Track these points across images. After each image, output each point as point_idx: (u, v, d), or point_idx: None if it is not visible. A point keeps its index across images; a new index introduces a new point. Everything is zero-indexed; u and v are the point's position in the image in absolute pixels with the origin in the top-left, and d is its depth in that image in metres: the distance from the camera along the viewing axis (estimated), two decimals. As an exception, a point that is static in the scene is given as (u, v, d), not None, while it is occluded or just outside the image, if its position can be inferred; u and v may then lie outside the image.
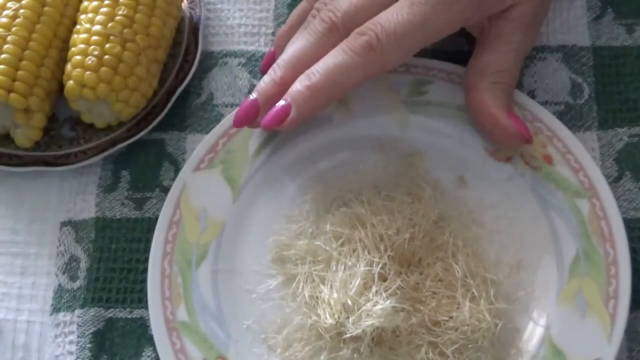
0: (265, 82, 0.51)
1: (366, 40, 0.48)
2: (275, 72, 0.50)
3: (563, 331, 0.47)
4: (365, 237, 0.48)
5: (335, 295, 0.47)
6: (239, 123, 0.51)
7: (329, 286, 0.48)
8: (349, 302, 0.47)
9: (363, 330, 0.46)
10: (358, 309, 0.46)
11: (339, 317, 0.47)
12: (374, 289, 0.47)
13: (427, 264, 0.49)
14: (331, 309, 0.47)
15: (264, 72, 0.53)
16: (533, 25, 0.52)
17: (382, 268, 0.47)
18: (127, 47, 0.54)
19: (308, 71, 0.49)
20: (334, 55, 0.49)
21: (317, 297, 0.48)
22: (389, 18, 0.48)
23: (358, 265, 0.48)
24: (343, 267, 0.48)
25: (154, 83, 0.57)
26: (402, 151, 0.53)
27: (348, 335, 0.46)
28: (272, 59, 0.55)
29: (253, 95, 0.51)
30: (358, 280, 0.47)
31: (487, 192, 0.52)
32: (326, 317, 0.47)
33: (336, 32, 0.50)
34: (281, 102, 0.49)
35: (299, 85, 0.49)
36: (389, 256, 0.48)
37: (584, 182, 0.50)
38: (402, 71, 0.55)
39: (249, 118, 0.51)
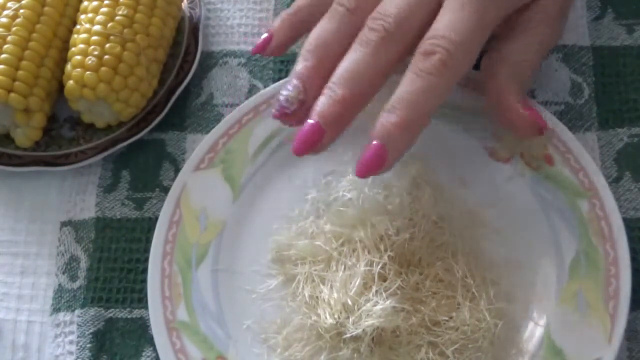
0: (324, 103, 0.45)
1: (438, 58, 0.44)
2: (334, 91, 0.45)
3: (563, 331, 0.47)
4: (365, 237, 0.48)
5: (335, 295, 0.47)
6: (302, 151, 0.45)
7: (329, 286, 0.48)
8: (349, 302, 0.47)
9: (363, 330, 0.46)
10: (358, 309, 0.46)
11: (339, 317, 0.47)
12: (374, 289, 0.47)
13: (427, 264, 0.49)
14: (331, 309, 0.47)
15: (256, 52, 0.51)
16: (557, 18, 0.51)
17: (382, 268, 0.47)
18: (127, 47, 0.54)
19: (388, 106, 0.44)
20: (410, 83, 0.45)
21: (317, 297, 0.49)
22: (448, 27, 0.45)
23: (358, 265, 0.48)
24: (343, 267, 0.48)
25: (154, 83, 0.57)
26: (407, 155, 0.53)
27: (348, 335, 0.46)
28: (267, 44, 0.51)
29: (313, 119, 0.45)
30: (358, 280, 0.47)
31: (487, 192, 0.52)
32: (326, 317, 0.47)
33: (391, 41, 0.46)
34: (373, 144, 0.44)
35: (389, 125, 0.44)
36: (389, 256, 0.48)
37: (584, 182, 0.50)
38: (402, 71, 0.55)
39: (314, 144, 0.45)
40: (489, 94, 0.50)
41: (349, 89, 0.45)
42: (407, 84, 0.45)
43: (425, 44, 0.45)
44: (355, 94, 0.45)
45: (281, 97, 0.47)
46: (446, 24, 0.45)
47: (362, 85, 0.45)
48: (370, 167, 0.44)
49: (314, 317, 0.48)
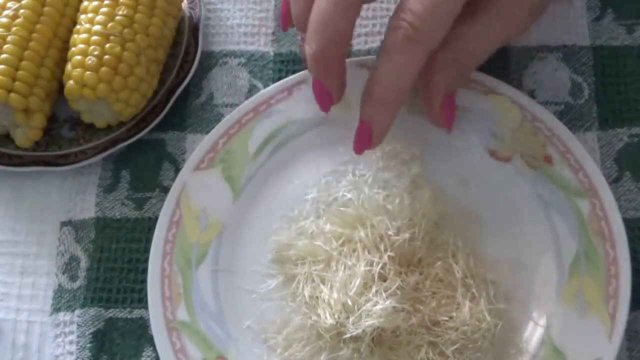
0: (308, 59, 0.48)
1: (402, 34, 0.45)
2: (310, 46, 0.48)
3: (563, 331, 0.47)
4: (365, 237, 0.48)
5: (335, 295, 0.47)
6: (323, 107, 0.51)
7: (329, 286, 0.48)
8: (349, 302, 0.47)
9: (363, 330, 0.46)
10: (358, 309, 0.46)
11: (339, 317, 0.47)
12: (374, 289, 0.47)
13: (427, 264, 0.49)
14: (331, 309, 0.47)
15: (284, 24, 0.53)
16: (522, 18, 0.49)
17: (382, 268, 0.47)
18: (127, 47, 0.54)
19: (365, 85, 0.47)
20: (381, 62, 0.47)
21: (317, 297, 0.48)
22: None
23: (358, 265, 0.48)
24: (343, 267, 0.48)
25: (154, 83, 0.57)
26: (402, 151, 0.53)
27: (348, 335, 0.46)
28: (288, 10, 0.52)
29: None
30: (358, 280, 0.47)
31: (487, 192, 0.52)
32: (326, 317, 0.47)
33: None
34: (359, 122, 0.48)
35: (367, 105, 0.48)
36: (389, 256, 0.48)
37: (584, 182, 0.50)
38: None
39: (322, 98, 0.50)
40: (423, 72, 0.49)
41: (320, 38, 0.47)
42: (379, 63, 0.47)
43: (392, 20, 0.46)
44: (325, 44, 0.47)
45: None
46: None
47: (329, 33, 0.47)
48: (361, 144, 0.49)
49: (314, 317, 0.48)
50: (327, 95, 0.50)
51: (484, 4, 0.48)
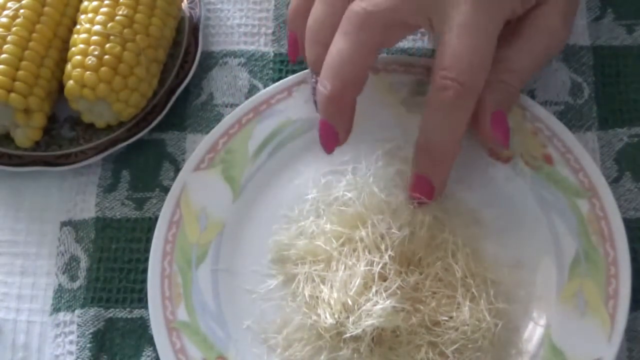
0: (319, 99, 0.48)
1: (452, 94, 0.46)
2: (324, 85, 0.48)
3: (563, 331, 0.47)
4: (366, 237, 0.48)
5: (335, 295, 0.47)
6: (327, 148, 0.50)
7: (329, 286, 0.48)
8: (349, 302, 0.47)
9: (363, 330, 0.46)
10: (358, 309, 0.46)
11: (339, 317, 0.47)
12: (374, 288, 0.47)
13: (427, 263, 0.49)
14: (331, 308, 0.47)
15: (292, 56, 0.54)
16: (559, 29, 0.50)
17: (382, 268, 0.47)
18: (127, 47, 0.54)
19: (429, 149, 0.48)
20: (433, 120, 0.47)
21: (317, 297, 0.48)
22: (456, 56, 0.46)
23: (358, 265, 0.48)
24: (343, 267, 0.48)
25: (154, 83, 0.57)
26: (402, 151, 0.53)
27: (348, 335, 0.46)
28: (295, 42, 0.53)
29: (320, 117, 0.49)
30: (358, 280, 0.47)
31: (487, 192, 0.52)
32: (326, 317, 0.47)
33: (367, 26, 0.47)
34: (416, 175, 0.49)
35: (422, 162, 0.49)
36: (389, 256, 0.48)
37: (584, 182, 0.50)
38: (402, 71, 0.55)
39: (331, 138, 0.50)
40: None
41: (336, 80, 0.47)
42: (431, 120, 0.47)
43: (437, 79, 0.46)
44: (341, 87, 0.47)
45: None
46: (453, 51, 0.46)
47: (347, 76, 0.47)
48: (422, 195, 0.49)
49: (314, 317, 0.48)
50: (334, 136, 0.49)
51: (520, 23, 0.49)
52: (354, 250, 0.49)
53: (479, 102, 0.48)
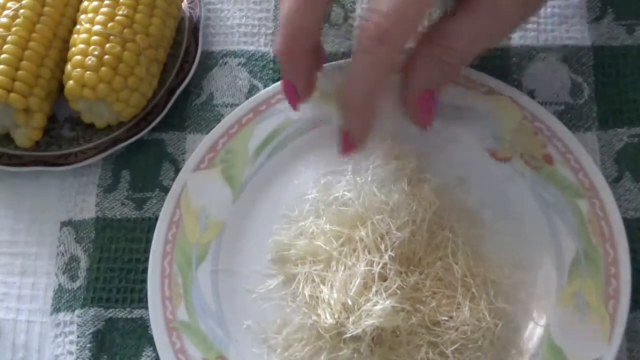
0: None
1: (369, 35, 0.44)
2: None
3: (563, 331, 0.47)
4: (366, 237, 0.48)
5: (335, 295, 0.47)
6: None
7: (329, 286, 0.48)
8: (349, 302, 0.47)
9: (363, 330, 0.46)
10: (358, 309, 0.46)
11: (339, 317, 0.47)
12: (374, 289, 0.47)
13: (427, 263, 0.49)
14: (331, 309, 0.47)
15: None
16: (508, 10, 0.46)
17: (382, 268, 0.47)
18: (127, 47, 0.54)
19: (345, 99, 0.47)
20: (354, 66, 0.46)
21: (317, 297, 0.48)
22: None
23: (358, 265, 0.48)
24: (343, 267, 0.48)
25: (154, 83, 0.57)
26: (402, 151, 0.53)
27: (348, 335, 0.46)
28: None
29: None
30: (358, 280, 0.47)
31: (487, 192, 0.52)
32: (326, 317, 0.47)
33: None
34: (340, 130, 0.48)
35: (344, 112, 0.48)
36: (389, 256, 0.48)
37: (584, 182, 0.50)
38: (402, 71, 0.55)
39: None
40: (402, 69, 0.48)
41: (283, 33, 0.47)
42: (352, 66, 0.46)
43: (362, 21, 0.46)
44: (289, 41, 0.47)
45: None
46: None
47: (292, 30, 0.47)
48: (345, 148, 0.48)
49: (314, 317, 0.48)
50: (294, 94, 0.49)
51: (463, 4, 0.46)
52: (354, 251, 0.49)
53: (409, 76, 0.46)
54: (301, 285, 0.49)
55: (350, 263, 0.48)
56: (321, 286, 0.48)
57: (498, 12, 0.46)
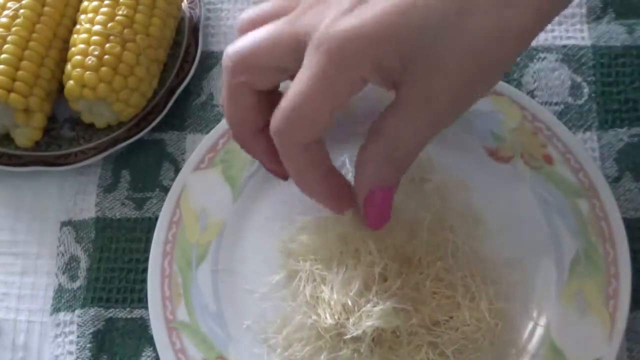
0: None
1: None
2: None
3: (563, 331, 0.47)
4: (366, 237, 0.48)
5: (335, 296, 0.47)
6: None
7: (329, 287, 0.48)
8: (349, 303, 0.46)
9: (363, 330, 0.46)
10: (358, 310, 0.46)
11: (339, 318, 0.47)
12: (374, 289, 0.47)
13: (427, 263, 0.49)
14: (331, 309, 0.47)
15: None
16: (441, 114, 0.41)
17: (382, 269, 0.47)
18: (127, 47, 0.54)
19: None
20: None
21: (317, 297, 0.48)
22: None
23: (359, 266, 0.48)
24: (344, 267, 0.48)
25: (154, 83, 0.57)
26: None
27: (348, 336, 0.46)
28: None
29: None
30: (358, 281, 0.47)
31: (487, 192, 0.52)
32: (326, 317, 0.47)
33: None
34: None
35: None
36: (389, 256, 0.48)
37: (584, 182, 0.50)
38: None
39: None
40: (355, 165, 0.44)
41: (228, 121, 0.47)
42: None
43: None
44: (231, 125, 0.46)
45: None
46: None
47: (227, 119, 0.46)
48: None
49: (314, 317, 0.48)
50: (266, 169, 0.48)
51: (403, 91, 0.40)
52: (355, 251, 0.49)
53: (357, 173, 0.43)
54: (302, 284, 0.49)
55: (351, 263, 0.48)
56: (322, 286, 0.48)
57: (430, 112, 0.41)
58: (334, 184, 0.45)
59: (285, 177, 0.48)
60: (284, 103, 0.41)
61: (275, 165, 0.46)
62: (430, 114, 0.41)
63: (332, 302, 0.47)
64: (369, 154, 0.42)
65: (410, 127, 0.41)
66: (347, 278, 0.47)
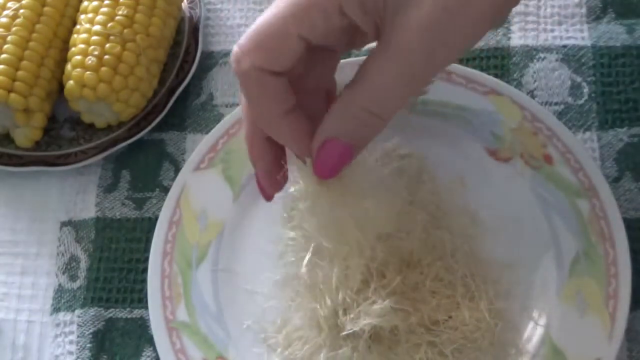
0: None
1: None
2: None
3: (563, 331, 0.47)
4: (366, 235, 0.48)
5: (334, 291, 0.47)
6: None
7: (328, 282, 0.48)
8: (348, 300, 0.46)
9: (361, 328, 0.46)
10: (357, 307, 0.46)
11: (336, 310, 0.46)
12: (372, 286, 0.47)
13: (426, 263, 0.49)
14: (330, 302, 0.47)
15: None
16: (419, 63, 0.38)
17: (381, 266, 0.47)
18: (127, 47, 0.55)
19: None
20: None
21: (316, 289, 0.48)
22: None
23: (357, 263, 0.47)
24: (343, 263, 0.48)
25: (154, 83, 0.57)
26: (402, 151, 0.53)
27: (345, 332, 0.46)
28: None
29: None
30: (357, 277, 0.47)
31: (487, 192, 0.52)
32: (326, 302, 0.46)
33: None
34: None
35: None
36: (388, 254, 0.47)
37: (584, 182, 0.50)
38: None
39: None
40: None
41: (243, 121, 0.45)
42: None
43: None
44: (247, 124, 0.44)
45: None
46: None
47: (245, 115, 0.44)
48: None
49: (313, 304, 0.47)
50: (257, 178, 0.46)
51: (383, 39, 0.38)
52: (355, 248, 0.48)
53: (324, 119, 0.41)
54: (301, 276, 0.49)
55: (349, 260, 0.48)
56: (321, 282, 0.48)
57: (408, 50, 0.38)
58: (295, 127, 0.42)
59: (270, 197, 0.46)
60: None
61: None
62: (406, 60, 0.38)
63: (330, 298, 0.47)
64: (339, 101, 0.40)
65: (385, 75, 0.38)
66: (345, 273, 0.47)
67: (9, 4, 0.55)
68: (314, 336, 0.48)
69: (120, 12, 0.55)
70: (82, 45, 0.54)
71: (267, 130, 0.42)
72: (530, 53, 0.57)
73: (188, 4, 0.61)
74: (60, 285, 0.53)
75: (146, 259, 0.52)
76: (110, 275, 0.53)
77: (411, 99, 0.48)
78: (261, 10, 0.61)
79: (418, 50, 0.38)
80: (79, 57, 0.54)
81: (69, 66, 0.54)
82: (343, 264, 0.47)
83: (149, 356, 0.51)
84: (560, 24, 0.58)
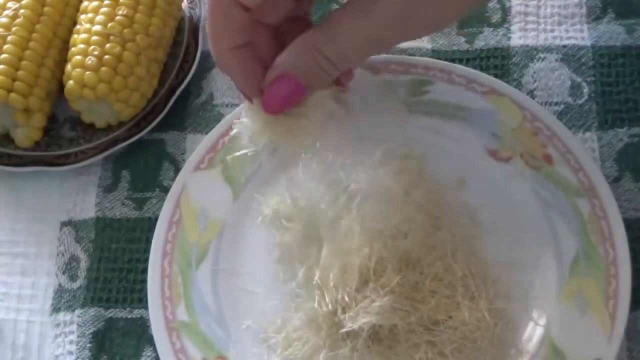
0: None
1: None
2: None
3: (563, 331, 0.47)
4: (365, 233, 0.48)
5: (332, 289, 0.47)
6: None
7: (327, 280, 0.48)
8: (346, 298, 0.46)
9: (360, 326, 0.46)
10: (356, 305, 0.46)
11: (335, 309, 0.46)
12: (371, 285, 0.47)
13: (426, 263, 0.49)
14: (329, 299, 0.47)
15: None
16: (401, 19, 0.39)
17: (380, 266, 0.47)
18: (127, 47, 0.55)
19: None
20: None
21: (315, 288, 0.48)
22: None
23: (356, 260, 0.47)
24: (342, 261, 0.48)
25: (154, 83, 0.57)
26: (402, 151, 0.53)
27: (344, 330, 0.46)
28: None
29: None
30: (356, 276, 0.47)
31: (487, 192, 0.52)
32: (325, 300, 0.46)
33: None
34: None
35: None
36: (388, 253, 0.47)
37: (584, 182, 0.50)
38: (401, 71, 0.55)
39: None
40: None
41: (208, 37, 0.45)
42: None
43: None
44: (211, 39, 0.44)
45: None
46: None
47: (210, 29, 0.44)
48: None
49: (312, 303, 0.47)
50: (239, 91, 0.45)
51: (360, 2, 0.40)
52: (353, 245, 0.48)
53: (280, 54, 0.42)
54: (301, 275, 0.49)
55: (348, 258, 0.48)
56: (320, 280, 0.48)
57: (390, 18, 0.39)
58: (243, 64, 0.42)
59: (251, 99, 0.45)
60: None
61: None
62: (381, 25, 0.39)
63: (329, 296, 0.47)
64: (301, 39, 0.40)
65: (357, 33, 0.39)
66: (344, 272, 0.47)
67: (9, 4, 0.55)
68: (314, 336, 0.48)
69: (120, 12, 0.55)
70: (82, 45, 0.54)
71: (216, 59, 0.43)
72: (530, 53, 0.57)
73: (188, 4, 0.61)
74: (60, 285, 0.53)
75: (146, 259, 0.52)
76: (110, 275, 0.53)
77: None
78: (261, 10, 0.61)
79: (398, 18, 0.39)
80: (79, 57, 0.54)
81: (69, 66, 0.54)
82: (340, 260, 0.47)
83: (149, 356, 0.51)
84: (560, 24, 0.58)
